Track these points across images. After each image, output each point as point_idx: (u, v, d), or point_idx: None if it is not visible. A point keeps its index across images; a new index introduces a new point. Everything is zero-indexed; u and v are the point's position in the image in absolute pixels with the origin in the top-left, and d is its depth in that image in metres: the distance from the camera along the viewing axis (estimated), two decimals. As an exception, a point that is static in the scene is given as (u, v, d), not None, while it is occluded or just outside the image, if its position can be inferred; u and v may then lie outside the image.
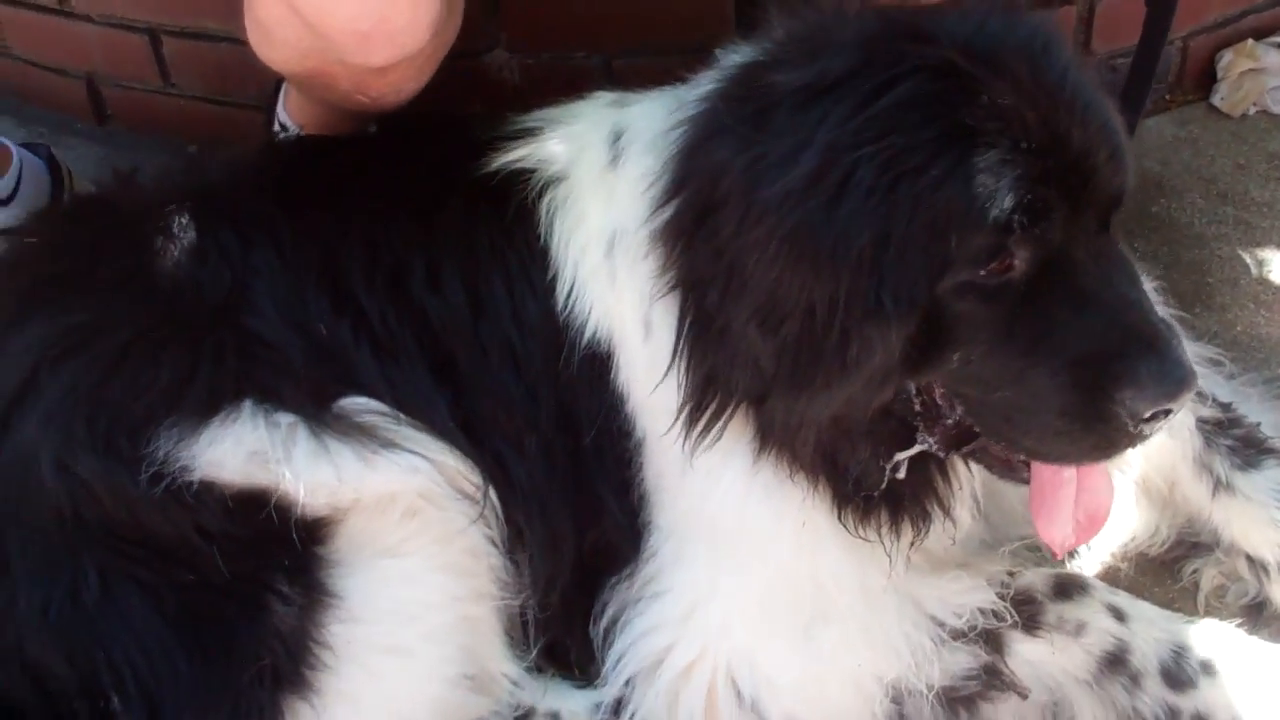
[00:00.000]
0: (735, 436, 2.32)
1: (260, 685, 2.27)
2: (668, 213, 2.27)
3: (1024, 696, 2.45)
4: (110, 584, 2.30)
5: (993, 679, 2.45)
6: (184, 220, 2.57)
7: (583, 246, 2.48)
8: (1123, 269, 2.16)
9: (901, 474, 2.30)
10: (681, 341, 2.27)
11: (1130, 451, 2.17)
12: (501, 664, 2.51)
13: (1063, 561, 2.71)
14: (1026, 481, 2.29)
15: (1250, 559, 2.70)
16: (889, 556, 2.39)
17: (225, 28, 3.85)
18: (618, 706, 2.52)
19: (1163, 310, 2.34)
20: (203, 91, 4.11)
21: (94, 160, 4.10)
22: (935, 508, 2.41)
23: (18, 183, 3.50)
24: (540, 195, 2.53)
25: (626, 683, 2.51)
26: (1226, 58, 4.05)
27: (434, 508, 2.43)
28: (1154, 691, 2.46)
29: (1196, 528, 2.78)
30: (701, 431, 2.30)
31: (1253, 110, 4.02)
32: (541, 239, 2.50)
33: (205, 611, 2.31)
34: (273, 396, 2.41)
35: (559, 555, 2.54)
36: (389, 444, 2.42)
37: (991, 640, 2.47)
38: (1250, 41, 4.06)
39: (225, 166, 2.80)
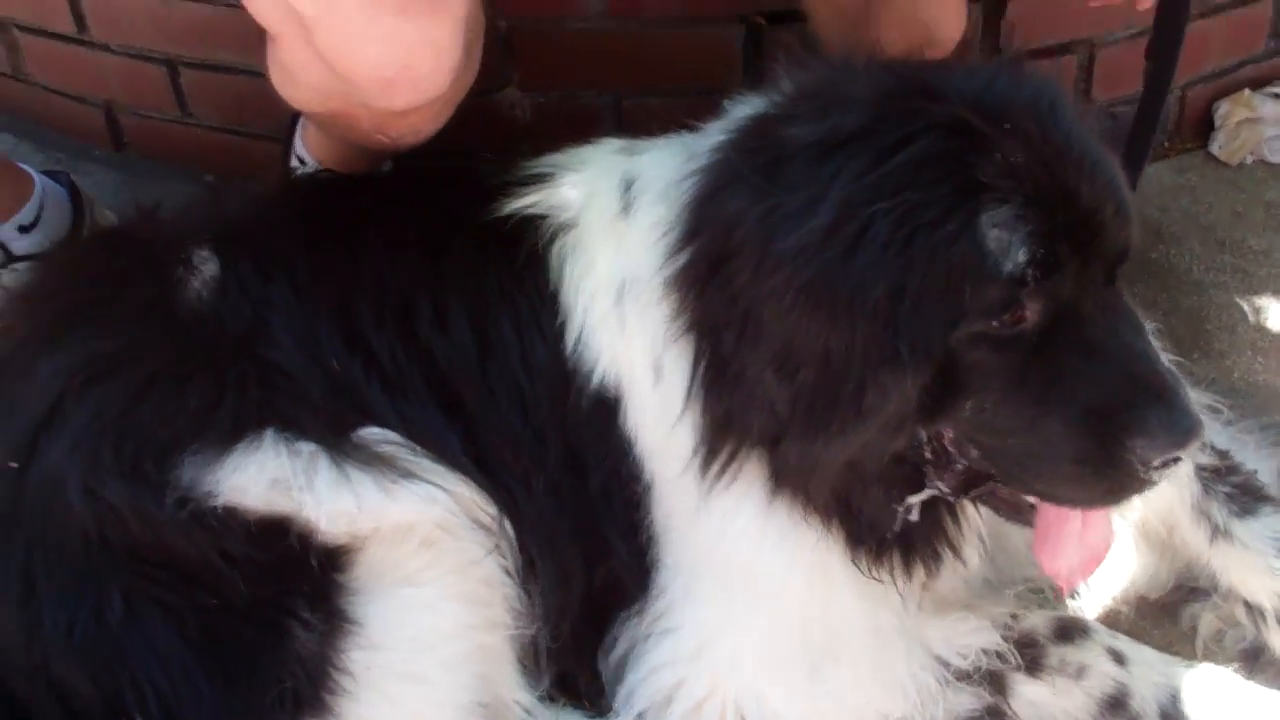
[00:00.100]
0: (749, 478, 2.36)
1: (281, 708, 2.29)
2: (681, 260, 2.31)
3: (1026, 738, 2.49)
4: (134, 606, 2.32)
5: (995, 720, 2.48)
6: (205, 254, 2.60)
7: (592, 293, 2.51)
8: (1129, 320, 2.22)
9: (914, 516, 2.35)
10: (695, 385, 2.31)
11: (1138, 496, 2.21)
12: (515, 692, 2.52)
13: (1064, 604, 2.75)
14: (1033, 524, 2.34)
15: (1248, 605, 2.73)
16: (900, 597, 2.43)
17: (242, 60, 3.88)
18: (629, 739, 2.54)
19: (1164, 357, 2.38)
20: (219, 122, 4.14)
21: (111, 187, 4.13)
22: (945, 549, 2.45)
23: (40, 210, 3.52)
24: (551, 241, 2.56)
25: (637, 717, 2.54)
26: (1224, 107, 4.09)
27: (451, 538, 2.46)
28: (1153, 734, 2.51)
29: (1195, 573, 2.81)
30: (716, 473, 2.34)
31: (1250, 159, 4.06)
32: (551, 284, 2.53)
33: (227, 635, 2.32)
34: (294, 425, 2.43)
35: (568, 589, 2.56)
36: (408, 474, 2.45)
37: (995, 681, 2.52)
38: (1247, 91, 4.11)
39: (245, 202, 2.84)
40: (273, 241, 2.65)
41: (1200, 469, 2.75)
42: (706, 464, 2.35)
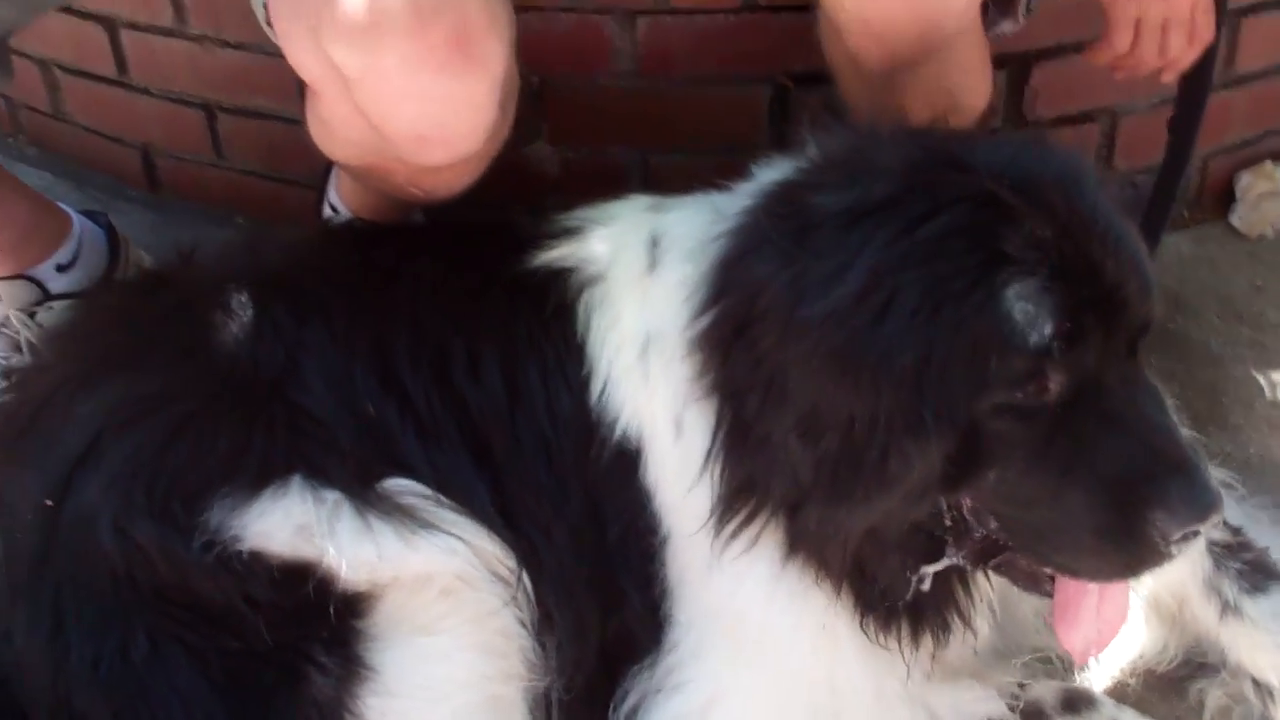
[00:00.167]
0: (764, 540, 2.39)
1: (297, 751, 2.32)
2: (707, 321, 2.34)
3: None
4: (159, 645, 2.35)
5: (999, 789, 2.51)
6: (242, 299, 2.64)
7: (617, 346, 2.53)
8: (1150, 393, 2.25)
9: (926, 586, 2.37)
10: (717, 446, 2.34)
11: (1156, 569, 2.24)
12: (525, 743, 2.54)
13: (1072, 675, 2.76)
14: (1049, 594, 2.36)
15: (1256, 682, 2.74)
16: (906, 665, 2.45)
17: (278, 107, 3.93)
18: (637, 792, 2.56)
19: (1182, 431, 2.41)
20: (253, 166, 4.18)
21: (145, 226, 4.16)
22: (956, 618, 2.48)
23: (78, 249, 3.56)
24: (579, 294, 2.59)
25: (647, 770, 2.55)
26: (1245, 179, 4.11)
27: (469, 589, 2.48)
28: (1157, 810, 2.53)
29: (1204, 648, 2.82)
30: (732, 534, 2.37)
31: (1270, 232, 4.07)
32: (578, 336, 2.56)
33: (247, 677, 2.35)
34: (320, 473, 2.46)
35: (584, 642, 2.58)
36: (428, 525, 2.48)
37: None
38: (1269, 163, 4.13)
39: (281, 249, 2.89)
40: (308, 287, 2.69)
41: (1212, 545, 2.77)
42: (723, 524, 2.38)
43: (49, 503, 2.45)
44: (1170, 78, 3.13)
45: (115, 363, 2.61)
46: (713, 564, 2.44)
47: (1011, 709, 2.58)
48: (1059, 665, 2.77)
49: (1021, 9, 2.98)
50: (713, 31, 3.55)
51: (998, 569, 2.41)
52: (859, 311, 2.12)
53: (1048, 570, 2.35)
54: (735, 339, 2.28)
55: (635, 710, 2.58)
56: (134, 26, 4.03)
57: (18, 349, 3.50)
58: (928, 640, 2.47)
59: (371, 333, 2.62)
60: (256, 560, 2.38)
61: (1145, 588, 2.61)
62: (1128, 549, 2.19)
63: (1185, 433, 2.45)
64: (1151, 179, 3.57)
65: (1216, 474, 2.79)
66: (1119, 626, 2.38)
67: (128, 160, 4.39)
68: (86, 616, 2.39)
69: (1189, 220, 4.10)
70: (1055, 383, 2.15)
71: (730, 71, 3.63)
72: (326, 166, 3.40)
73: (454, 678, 2.46)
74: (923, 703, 2.56)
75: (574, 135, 3.79)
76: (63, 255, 3.55)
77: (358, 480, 2.49)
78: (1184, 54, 3.01)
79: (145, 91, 4.17)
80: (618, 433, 2.52)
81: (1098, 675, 2.83)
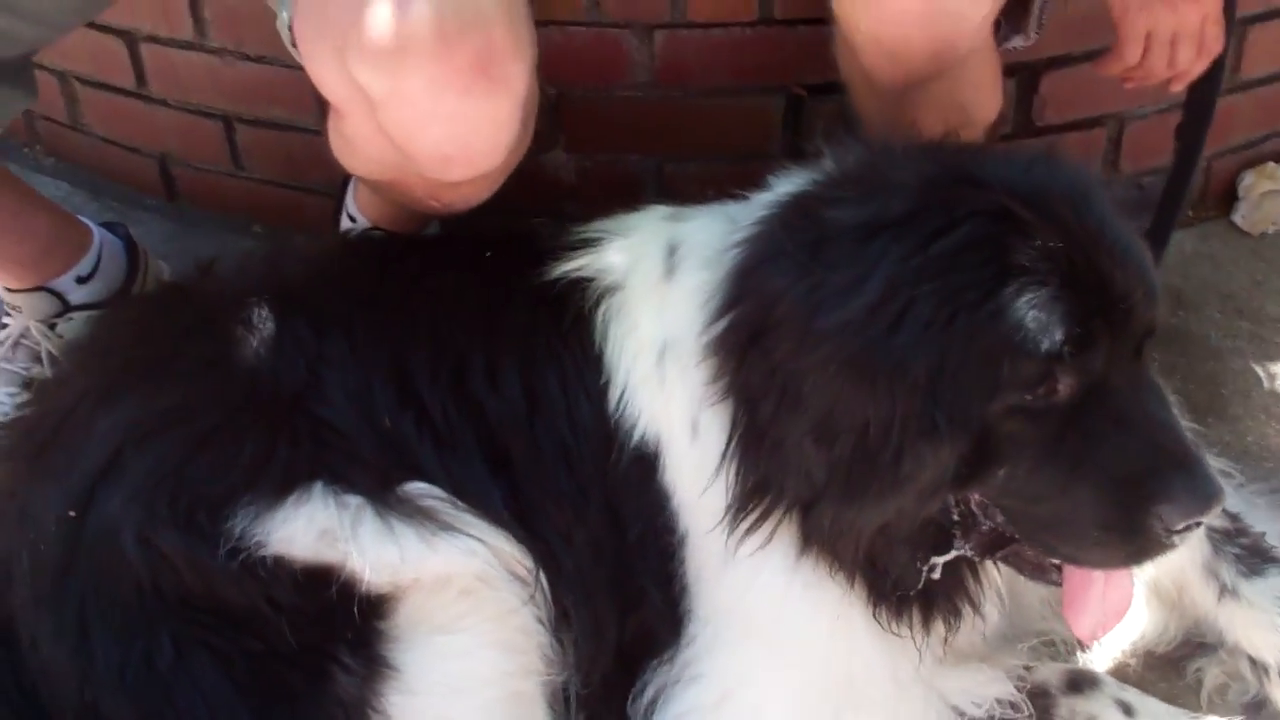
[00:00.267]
0: (778, 536, 2.44)
1: (323, 750, 2.36)
2: (722, 326, 2.40)
3: (1037, 785, 2.57)
4: (184, 650, 2.39)
5: (1008, 767, 2.57)
6: (263, 312, 2.68)
7: (635, 354, 2.58)
8: (1155, 393, 2.33)
9: (936, 575, 2.43)
10: (732, 448, 2.39)
11: (1161, 558, 2.31)
12: (545, 737, 2.58)
13: (1075, 657, 2.83)
14: (1057, 583, 2.43)
15: (1252, 660, 2.81)
16: (918, 651, 2.51)
17: (296, 118, 3.98)
18: (655, 782, 2.61)
19: (1184, 426, 2.47)
20: (271, 176, 4.20)
21: (163, 236, 4.20)
22: (966, 605, 2.54)
23: (98, 261, 3.60)
24: (597, 303, 2.63)
25: (663, 761, 2.59)
26: (1248, 178, 4.15)
27: (488, 588, 2.52)
28: (1158, 784, 2.58)
29: (1202, 629, 2.89)
30: (747, 531, 2.42)
31: (1272, 230, 4.11)
32: (597, 345, 2.61)
33: (273, 679, 2.40)
34: (342, 479, 2.51)
35: (602, 638, 2.63)
36: (448, 527, 2.52)
37: None
38: (1271, 164, 4.17)
39: (301, 261, 2.93)
40: (328, 300, 2.73)
41: (1211, 530, 2.83)
42: (738, 522, 2.42)
43: (72, 514, 2.49)
44: (1179, 88, 3.18)
45: (137, 376, 2.65)
46: (729, 560, 2.48)
47: (1018, 690, 2.64)
48: (1063, 648, 2.84)
49: (1033, 25, 3.02)
50: (728, 44, 3.60)
51: (1005, 559, 2.47)
52: (875, 321, 2.18)
53: (1054, 560, 2.42)
54: (750, 345, 2.34)
55: (654, 701, 2.64)
56: (154, 40, 4.06)
57: (38, 360, 3.56)
58: (939, 627, 2.53)
59: (390, 345, 2.66)
60: (280, 565, 2.42)
61: (1146, 573, 2.67)
62: (1133, 540, 2.26)
63: (1186, 424, 2.52)
64: (1157, 181, 3.62)
65: (1215, 463, 2.92)
66: (1124, 610, 2.45)
67: (145, 170, 4.41)
68: (111, 624, 2.43)
69: (1192, 218, 4.14)
70: (1064, 385, 2.21)
71: (745, 82, 3.68)
72: (345, 177, 3.44)
73: (475, 674, 2.52)
74: (934, 686, 2.62)
75: (591, 144, 3.83)
76: (83, 267, 3.59)
77: (379, 485, 2.53)
78: (1193, 65, 3.06)
79: (164, 103, 4.19)
80: (636, 437, 2.57)
81: (1100, 656, 2.90)
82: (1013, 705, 2.62)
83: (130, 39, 4.10)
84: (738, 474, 2.40)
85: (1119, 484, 2.23)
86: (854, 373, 2.20)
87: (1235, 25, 3.27)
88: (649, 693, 2.65)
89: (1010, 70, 3.55)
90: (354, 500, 2.50)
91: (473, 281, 2.77)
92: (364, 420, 2.60)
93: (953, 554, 2.43)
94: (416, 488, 2.57)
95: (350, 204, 3.49)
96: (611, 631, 2.64)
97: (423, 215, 3.17)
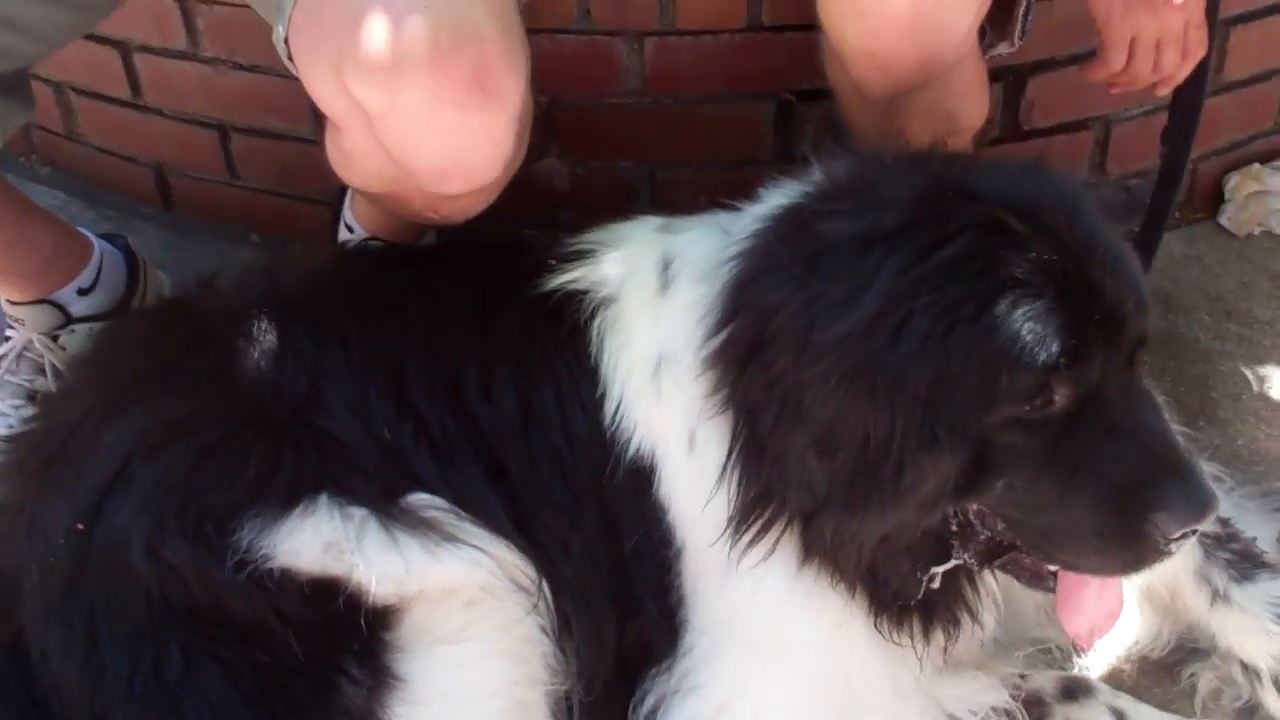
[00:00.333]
0: (779, 547, 2.47)
1: (329, 760, 2.39)
2: (720, 340, 2.42)
3: (1031, 792, 2.61)
4: (192, 661, 2.41)
5: (1003, 774, 2.60)
6: (263, 325, 2.70)
7: (630, 367, 2.60)
8: (1148, 401, 2.37)
9: (936, 585, 2.47)
10: (733, 460, 2.42)
11: (1157, 565, 2.34)
12: (549, 745, 2.60)
13: (1070, 664, 2.85)
14: (1053, 590, 2.46)
15: (1244, 665, 2.83)
16: (918, 659, 2.54)
17: (291, 128, 3.99)
18: (656, 790, 2.64)
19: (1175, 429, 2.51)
20: (267, 184, 4.22)
21: (159, 244, 4.21)
22: (964, 614, 2.57)
23: (99, 273, 3.62)
24: (592, 315, 2.65)
25: (665, 768, 2.62)
26: (1234, 180, 4.17)
27: (493, 599, 2.54)
28: (1152, 790, 2.62)
29: (1195, 634, 2.91)
30: (748, 543, 2.44)
31: (1258, 230, 4.13)
32: (592, 357, 2.63)
33: (280, 689, 2.42)
34: (346, 491, 2.53)
35: (602, 647, 2.65)
36: (451, 538, 2.54)
37: None
38: (1257, 165, 4.19)
39: (300, 274, 2.95)
40: (327, 313, 2.75)
41: (1202, 536, 2.84)
42: (738, 534, 2.45)
43: (80, 527, 2.51)
44: (1164, 92, 3.21)
45: (142, 390, 2.67)
46: (729, 571, 2.51)
47: (1014, 698, 2.67)
48: (1058, 655, 2.86)
49: (1017, 32, 3.05)
50: (718, 51, 3.62)
51: (1003, 567, 2.50)
52: (874, 334, 2.21)
53: (1051, 567, 2.45)
54: (749, 358, 2.36)
55: (654, 711, 2.66)
56: (148, 50, 4.07)
57: (41, 372, 3.58)
58: (938, 636, 2.57)
59: (388, 357, 2.68)
60: (287, 577, 2.44)
61: (1140, 578, 2.70)
62: (1130, 548, 2.29)
63: (1178, 429, 2.59)
64: (1144, 183, 3.67)
65: (1207, 467, 2.91)
66: (1117, 613, 2.49)
67: (141, 179, 4.43)
68: (120, 636, 2.45)
69: (1180, 220, 4.16)
70: (1061, 395, 2.25)
71: (735, 89, 3.70)
72: (342, 187, 3.44)
73: (480, 684, 2.54)
74: (932, 694, 2.65)
75: (583, 151, 3.85)
76: (84, 279, 3.61)
77: (383, 497, 2.56)
78: (1178, 70, 3.09)
79: (159, 113, 4.20)
80: (632, 450, 2.59)
81: (1095, 662, 2.92)
82: (1008, 713, 2.65)
83: (124, 49, 4.12)
84: (739, 486, 2.43)
85: (1116, 492, 2.27)
86: (854, 385, 2.23)
87: (1218, 27, 3.31)
88: (649, 701, 2.67)
89: (997, 74, 3.58)
90: (358, 512, 2.52)
91: (469, 293, 2.79)
92: (365, 431, 2.62)
93: (952, 563, 2.47)
94: (419, 499, 2.59)
95: (348, 214, 3.50)
96: (611, 640, 2.66)
97: (419, 225, 3.17)
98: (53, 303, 3.57)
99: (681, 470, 2.57)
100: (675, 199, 3.67)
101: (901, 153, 2.55)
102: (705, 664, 2.63)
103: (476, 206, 2.83)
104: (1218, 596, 2.85)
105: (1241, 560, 2.90)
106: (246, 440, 2.56)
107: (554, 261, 2.75)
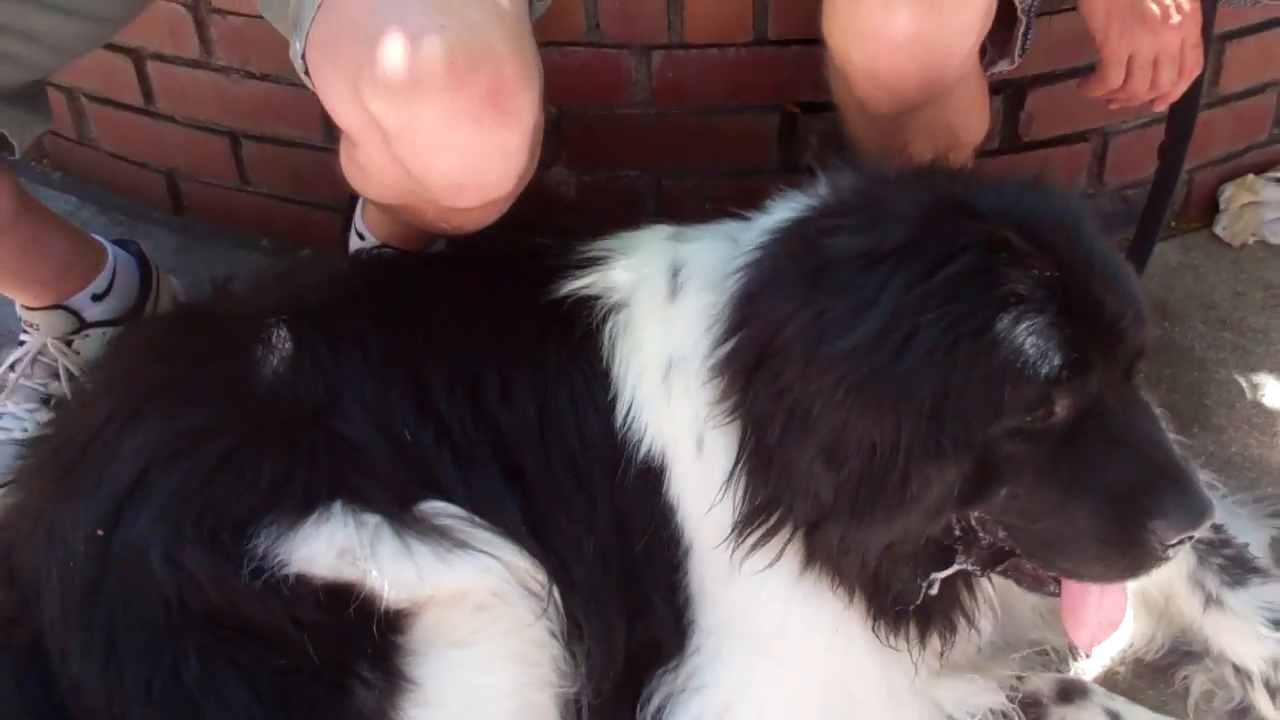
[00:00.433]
0: (781, 551, 2.51)
1: (344, 761, 2.43)
2: (728, 349, 2.47)
3: (1027, 792, 2.66)
4: (209, 664, 2.44)
5: (1000, 774, 2.66)
6: (280, 332, 2.73)
7: (641, 371, 2.65)
8: (1146, 412, 2.43)
9: (935, 590, 2.52)
10: (739, 467, 2.46)
11: (1155, 571, 2.40)
12: (558, 746, 2.64)
13: (1066, 667, 2.90)
14: (1054, 594, 2.52)
15: (1236, 668, 2.88)
16: (915, 663, 2.59)
17: (302, 135, 4.05)
18: (663, 786, 2.68)
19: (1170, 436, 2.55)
20: (278, 191, 4.26)
21: (171, 249, 4.25)
22: (961, 619, 2.63)
23: (112, 278, 3.66)
24: (604, 321, 2.70)
25: (671, 767, 2.66)
26: (1228, 190, 4.22)
27: (503, 603, 2.58)
28: (1146, 790, 2.67)
29: (1188, 638, 2.96)
30: (752, 547, 2.49)
31: (1252, 240, 4.18)
32: (604, 362, 2.67)
33: (296, 693, 2.45)
34: (360, 498, 2.56)
35: (612, 649, 2.69)
36: (463, 545, 2.58)
37: None
38: (1251, 176, 4.24)
39: (316, 280, 2.99)
40: (343, 318, 2.78)
41: (1196, 541, 2.86)
42: (743, 538, 2.49)
43: (100, 533, 2.54)
44: (1161, 107, 3.26)
45: (160, 397, 2.70)
46: (733, 573, 2.56)
47: (1010, 699, 2.72)
48: (1054, 658, 2.91)
49: (1017, 50, 3.09)
50: (724, 64, 3.68)
51: (1004, 573, 2.56)
52: (881, 348, 2.27)
53: (1052, 574, 2.51)
54: (756, 368, 2.41)
55: (660, 710, 2.71)
56: (160, 58, 4.11)
57: (55, 376, 3.62)
58: (935, 640, 2.62)
59: (407, 362, 2.72)
60: (302, 583, 2.48)
61: (1136, 583, 2.71)
62: (1129, 554, 2.35)
63: (1173, 437, 2.59)
64: (1140, 193, 3.70)
65: (1200, 473, 2.91)
66: (1119, 620, 2.54)
67: (153, 184, 4.46)
68: (139, 640, 2.48)
69: (1175, 230, 4.20)
70: (1062, 407, 2.31)
71: (740, 100, 3.75)
72: (353, 194, 3.46)
73: (491, 686, 2.58)
74: (930, 697, 2.70)
75: (591, 160, 3.89)
76: (98, 285, 3.65)
77: (396, 504, 2.59)
78: (1174, 87, 3.13)
79: (171, 119, 4.24)
80: (643, 451, 2.64)
81: (1090, 665, 2.98)
82: (1005, 715, 2.70)
83: (138, 57, 4.16)
84: (745, 492, 2.48)
85: (1115, 500, 2.33)
86: (861, 397, 2.28)
87: (1213, 42, 3.34)
88: (656, 701, 2.71)
89: (997, 88, 3.63)
90: (372, 519, 2.55)
91: (484, 299, 2.84)
92: (381, 436, 2.66)
93: (954, 569, 2.52)
94: (432, 507, 2.62)
95: (359, 221, 3.53)
96: (621, 641, 2.70)
97: (431, 234, 3.21)
98: (67, 308, 3.62)
99: (690, 472, 2.62)
100: (681, 207, 3.70)
101: (905, 169, 2.61)
102: (710, 664, 2.68)
103: (489, 218, 2.87)
104: (1211, 601, 2.91)
105: (1234, 565, 2.95)
106: (263, 447, 2.60)
107: (566, 267, 2.80)
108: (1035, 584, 2.55)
